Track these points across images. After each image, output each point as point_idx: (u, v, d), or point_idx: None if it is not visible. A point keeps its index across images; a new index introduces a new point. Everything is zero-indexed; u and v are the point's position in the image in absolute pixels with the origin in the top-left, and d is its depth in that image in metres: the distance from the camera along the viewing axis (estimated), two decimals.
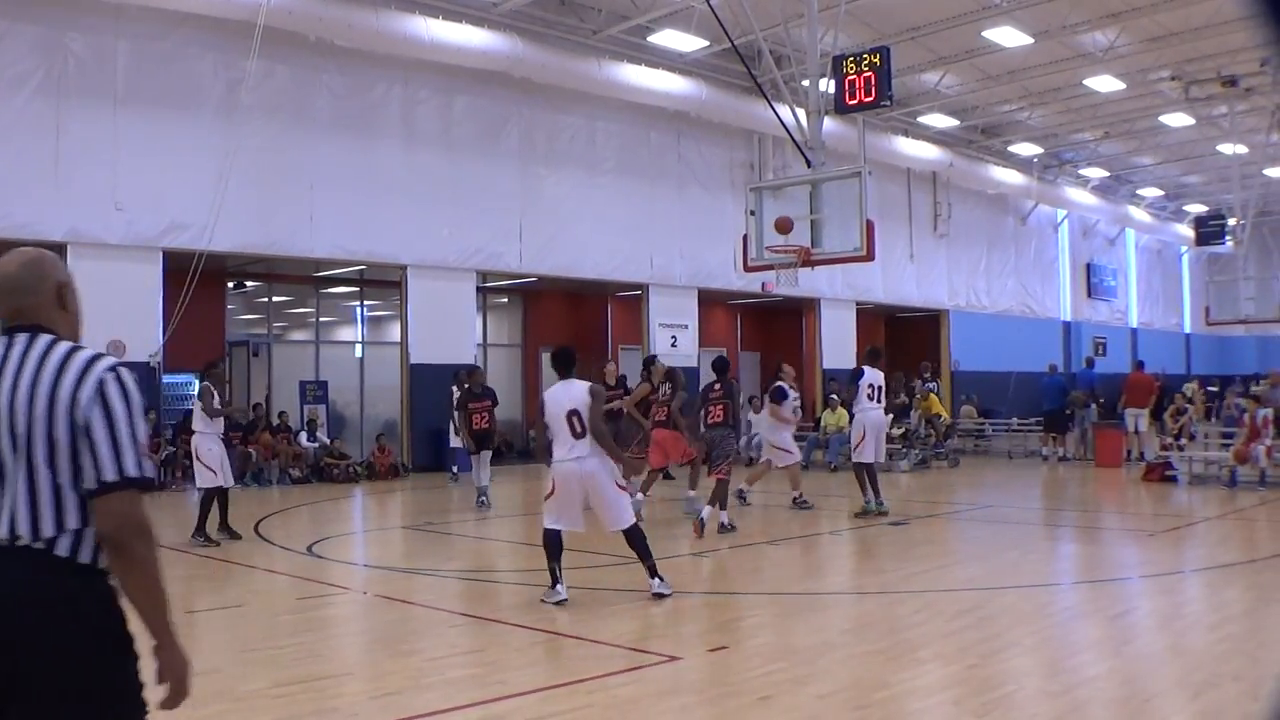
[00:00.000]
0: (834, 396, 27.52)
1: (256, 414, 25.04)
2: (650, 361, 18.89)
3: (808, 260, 19.18)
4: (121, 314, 21.65)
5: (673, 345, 31.08)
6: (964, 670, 7.78)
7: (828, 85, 19.61)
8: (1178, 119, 37.19)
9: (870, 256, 18.92)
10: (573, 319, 34.71)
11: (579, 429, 10.09)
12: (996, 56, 30.92)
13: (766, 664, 7.87)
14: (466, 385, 19.77)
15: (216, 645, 8.73)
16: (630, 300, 32.46)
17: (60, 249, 21.46)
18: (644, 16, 27.03)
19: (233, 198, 22.27)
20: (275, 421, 24.92)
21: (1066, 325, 46.63)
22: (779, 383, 18.36)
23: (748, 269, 21.18)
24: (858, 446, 17.14)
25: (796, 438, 27.75)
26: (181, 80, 22.80)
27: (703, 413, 16.32)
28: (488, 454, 19.14)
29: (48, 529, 3.23)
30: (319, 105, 24.62)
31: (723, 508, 15.15)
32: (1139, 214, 49.96)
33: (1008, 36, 28.69)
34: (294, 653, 8.51)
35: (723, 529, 15.00)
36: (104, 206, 21.68)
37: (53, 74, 21.34)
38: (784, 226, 18.38)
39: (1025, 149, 41.20)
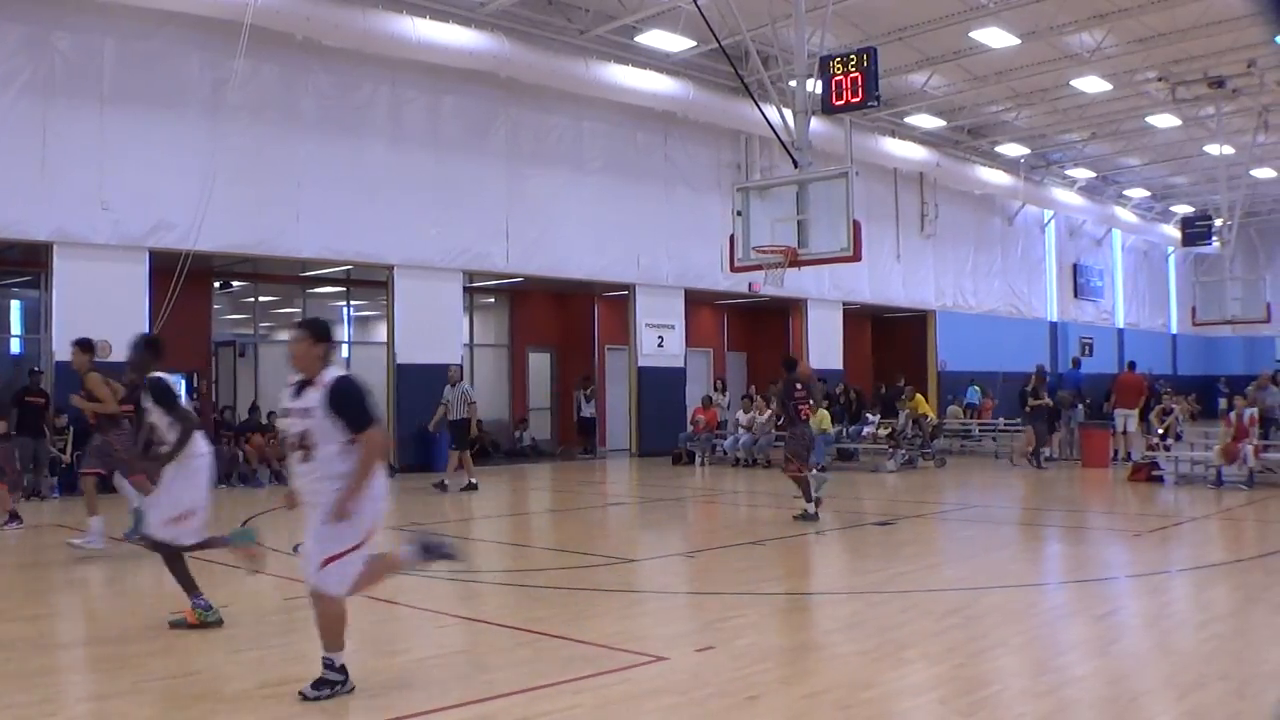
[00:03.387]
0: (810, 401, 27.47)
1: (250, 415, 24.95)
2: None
3: (794, 260, 19.23)
4: (107, 314, 21.59)
5: (659, 345, 31.09)
6: (950, 670, 7.78)
7: (814, 86, 19.65)
8: (1164, 120, 37.32)
9: (857, 257, 18.98)
10: (559, 319, 34.73)
11: None
12: (983, 57, 30.98)
13: (753, 664, 7.87)
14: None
15: (203, 646, 8.70)
16: (617, 300, 32.47)
17: (46, 248, 21.47)
18: (631, 17, 27.03)
19: (219, 197, 22.24)
20: (264, 422, 24.76)
21: (1053, 325, 46.74)
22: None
23: (734, 269, 21.23)
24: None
25: (778, 439, 27.98)
26: (168, 79, 22.75)
27: (793, 411, 16.81)
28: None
29: None
30: (306, 105, 24.58)
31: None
32: (1125, 214, 50.12)
33: (995, 37, 28.74)
34: (281, 654, 8.49)
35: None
36: (90, 206, 21.61)
37: (39, 73, 21.29)
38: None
39: (1012, 149, 41.34)
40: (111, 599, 10.99)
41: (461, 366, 22.52)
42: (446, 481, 21.83)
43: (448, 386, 22.12)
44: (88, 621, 9.87)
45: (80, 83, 21.75)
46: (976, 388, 37.31)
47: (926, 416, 27.75)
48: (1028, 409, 26.19)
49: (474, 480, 21.91)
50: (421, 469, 25.39)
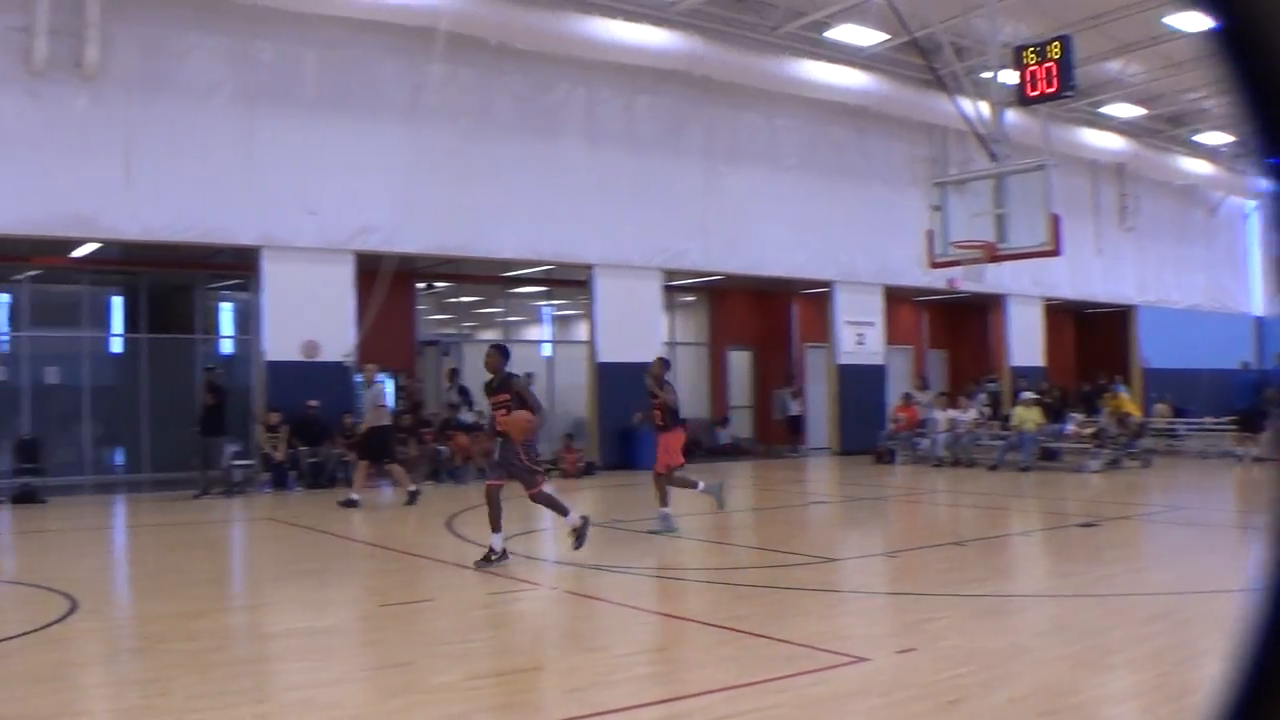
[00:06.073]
0: (1026, 393, 27.08)
1: (452, 412, 25.33)
2: None
3: (994, 256, 19.00)
4: (316, 315, 22.26)
5: (859, 343, 30.89)
6: (1156, 677, 7.62)
7: (1009, 77, 19.37)
8: None
9: (1056, 251, 18.72)
10: (759, 317, 34.70)
11: None
12: (1180, 42, 30.07)
13: (955, 666, 7.76)
14: None
15: (409, 639, 8.94)
16: (815, 298, 32.36)
17: (254, 252, 22.19)
18: (821, 12, 26.87)
19: (420, 200, 22.76)
20: (466, 420, 25.06)
21: (1259, 320, 45.19)
22: None
23: (933, 265, 21.05)
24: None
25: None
26: (367, 86, 23.36)
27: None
28: None
29: None
30: (502, 107, 24.98)
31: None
32: None
33: (1190, 21, 27.91)
34: (484, 647, 8.67)
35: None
36: (295, 210, 22.30)
37: (243, 83, 22.04)
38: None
39: (1213, 138, 39.94)
40: (325, 590, 11.32)
41: (369, 365, 20.39)
42: (355, 496, 18.81)
43: (364, 388, 20.33)
44: (300, 611, 10.18)
45: (283, 91, 22.46)
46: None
47: (1131, 415, 27.10)
48: None
49: (410, 488, 19.17)
50: (625, 468, 25.40)
